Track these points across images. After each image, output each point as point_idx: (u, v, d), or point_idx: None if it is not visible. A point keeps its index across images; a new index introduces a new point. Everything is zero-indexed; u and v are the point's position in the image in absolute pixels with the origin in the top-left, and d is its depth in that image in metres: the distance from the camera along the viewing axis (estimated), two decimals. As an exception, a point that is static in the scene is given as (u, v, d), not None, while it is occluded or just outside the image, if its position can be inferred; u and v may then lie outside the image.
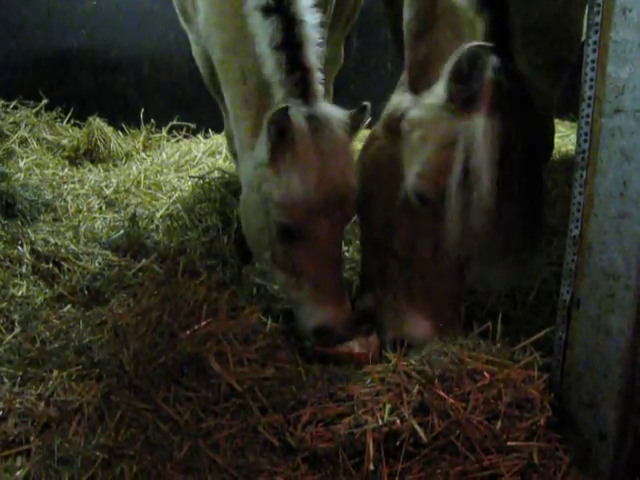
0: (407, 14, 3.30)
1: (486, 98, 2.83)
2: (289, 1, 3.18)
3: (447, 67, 2.91)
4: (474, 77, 2.84)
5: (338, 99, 4.16)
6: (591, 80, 2.48)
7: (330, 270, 3.28)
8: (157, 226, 4.75)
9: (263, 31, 3.18)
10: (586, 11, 3.25)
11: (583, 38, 2.72)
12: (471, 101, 2.86)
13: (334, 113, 3.28)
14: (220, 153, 6.32)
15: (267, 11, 3.17)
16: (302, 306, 3.35)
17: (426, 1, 3.18)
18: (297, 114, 3.15)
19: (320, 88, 3.27)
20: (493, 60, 2.81)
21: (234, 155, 4.90)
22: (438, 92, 3.00)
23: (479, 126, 2.82)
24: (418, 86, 3.23)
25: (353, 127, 3.34)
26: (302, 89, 3.19)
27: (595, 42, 2.45)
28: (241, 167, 3.61)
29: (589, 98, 2.50)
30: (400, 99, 3.32)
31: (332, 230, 3.25)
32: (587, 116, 2.52)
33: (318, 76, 3.25)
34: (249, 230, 3.57)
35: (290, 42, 3.17)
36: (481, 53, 2.80)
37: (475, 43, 2.82)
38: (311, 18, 3.22)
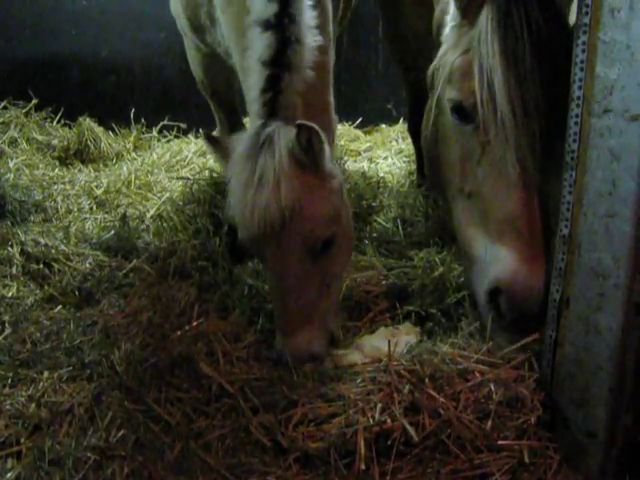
0: None
1: None
2: (290, 19, 3.06)
3: None
4: None
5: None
6: (580, 80, 2.49)
7: None
8: (147, 226, 4.74)
9: (256, 45, 3.09)
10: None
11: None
12: (480, 6, 2.83)
13: (282, 137, 2.99)
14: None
15: (266, 27, 3.06)
16: None
17: None
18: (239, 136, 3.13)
19: (293, 111, 3.09)
20: None
21: None
22: (453, 15, 3.00)
23: (482, 23, 2.80)
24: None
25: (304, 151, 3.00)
26: (269, 110, 3.07)
27: (584, 42, 2.46)
28: None
29: (578, 98, 2.51)
30: None
31: None
32: (576, 116, 2.53)
33: (293, 100, 3.09)
34: None
35: (277, 61, 3.05)
36: None
37: None
38: (311, 40, 3.11)
